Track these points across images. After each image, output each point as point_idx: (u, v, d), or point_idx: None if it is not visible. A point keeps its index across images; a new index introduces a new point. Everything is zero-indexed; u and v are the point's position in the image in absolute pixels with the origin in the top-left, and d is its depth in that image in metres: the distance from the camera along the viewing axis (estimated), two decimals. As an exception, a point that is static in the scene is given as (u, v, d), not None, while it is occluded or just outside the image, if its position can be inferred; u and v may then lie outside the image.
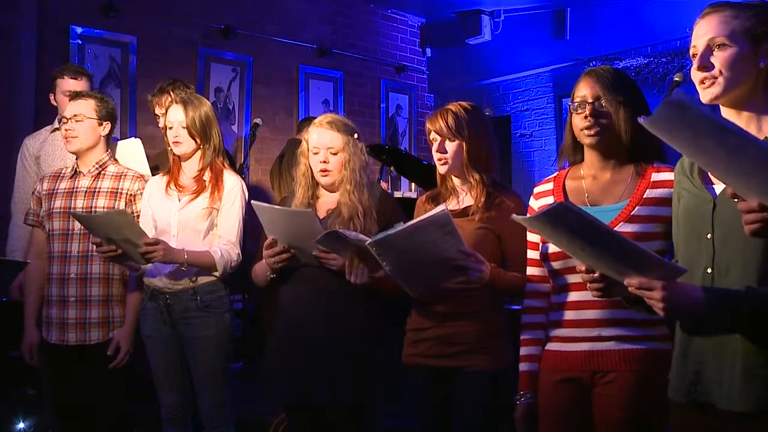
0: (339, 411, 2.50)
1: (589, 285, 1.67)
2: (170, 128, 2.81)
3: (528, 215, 1.84)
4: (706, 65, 1.60)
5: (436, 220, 2.03)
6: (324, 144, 2.55)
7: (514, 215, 1.68)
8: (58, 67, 3.71)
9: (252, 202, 2.56)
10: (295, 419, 2.64)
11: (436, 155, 2.39)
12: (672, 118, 1.33)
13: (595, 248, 1.55)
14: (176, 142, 2.80)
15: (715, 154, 1.36)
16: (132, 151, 3.38)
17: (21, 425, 3.50)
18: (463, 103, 2.42)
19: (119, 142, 3.50)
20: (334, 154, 2.55)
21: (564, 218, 1.52)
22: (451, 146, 2.37)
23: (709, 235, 1.59)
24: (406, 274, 2.19)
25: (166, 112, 2.87)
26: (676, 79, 2.77)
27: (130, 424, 2.97)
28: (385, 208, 2.58)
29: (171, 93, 3.49)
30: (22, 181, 3.53)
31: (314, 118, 2.77)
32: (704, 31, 1.62)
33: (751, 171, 1.33)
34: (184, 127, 2.78)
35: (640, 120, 1.38)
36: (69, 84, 3.48)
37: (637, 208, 1.91)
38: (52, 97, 3.57)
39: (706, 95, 1.61)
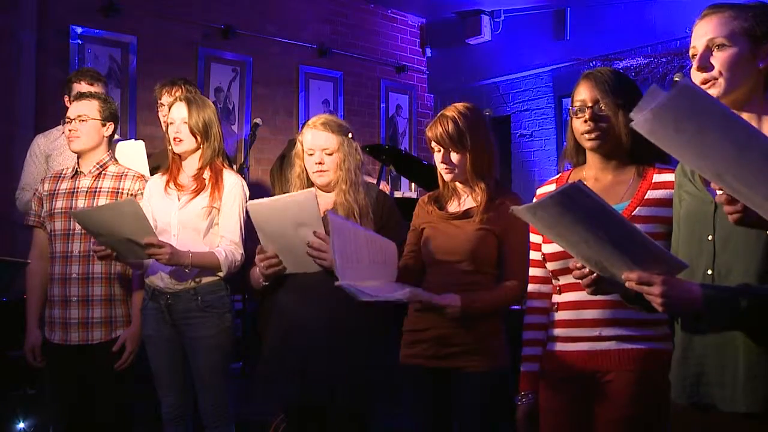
0: (338, 411, 2.50)
1: (582, 281, 1.66)
2: (172, 124, 2.81)
3: (532, 202, 1.79)
4: (705, 66, 1.61)
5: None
6: (319, 145, 2.54)
7: (513, 207, 1.63)
8: (76, 71, 3.74)
9: (247, 203, 2.54)
10: (294, 420, 2.64)
11: (440, 165, 2.38)
12: (678, 107, 1.28)
13: (598, 237, 1.53)
14: (177, 139, 2.79)
15: (718, 150, 1.32)
16: (134, 153, 3.39)
17: (21, 425, 3.50)
18: (461, 107, 2.39)
19: (120, 143, 3.51)
20: (330, 154, 2.54)
21: (574, 201, 1.49)
22: (455, 157, 2.35)
23: (710, 237, 1.59)
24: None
25: (170, 109, 2.87)
26: (676, 79, 2.78)
27: (130, 424, 2.97)
28: (382, 209, 2.58)
29: (182, 87, 3.50)
30: (29, 173, 3.57)
31: None
32: (704, 31, 1.63)
33: (755, 168, 1.31)
34: (185, 123, 2.78)
35: (636, 118, 1.32)
36: (83, 88, 3.48)
37: (638, 208, 1.91)
38: (66, 99, 3.59)
39: None
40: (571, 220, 1.54)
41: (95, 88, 3.49)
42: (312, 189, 2.40)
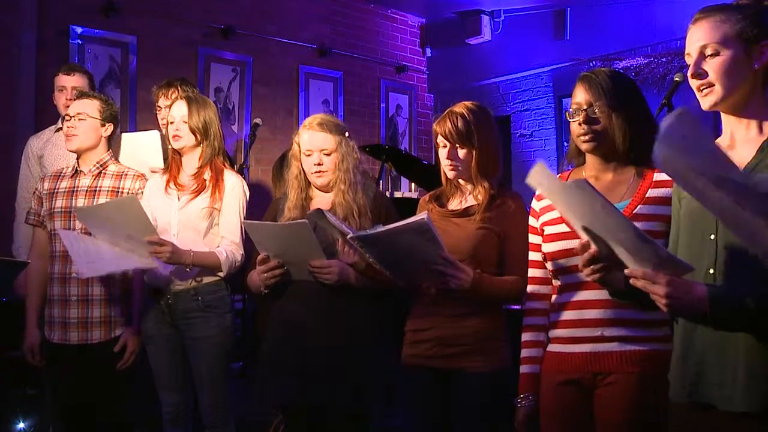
0: (337, 411, 2.50)
1: (589, 269, 1.65)
2: (171, 123, 2.81)
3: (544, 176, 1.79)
4: (700, 72, 1.61)
5: (414, 227, 2.07)
6: (316, 146, 2.54)
7: (530, 175, 1.61)
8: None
9: (244, 221, 2.57)
10: (294, 420, 2.64)
11: (445, 161, 2.37)
12: (681, 134, 1.29)
13: (605, 235, 1.53)
14: (176, 136, 2.80)
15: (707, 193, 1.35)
16: (148, 144, 3.38)
17: (21, 425, 3.50)
18: (470, 105, 2.40)
19: (131, 135, 3.51)
20: (328, 155, 2.55)
21: (587, 197, 1.49)
22: (461, 153, 2.35)
23: (712, 236, 1.59)
24: (390, 266, 2.24)
25: (170, 107, 2.87)
26: (676, 79, 2.77)
27: (130, 424, 2.97)
28: (379, 208, 2.58)
29: (179, 88, 3.51)
30: (26, 181, 3.56)
31: None
32: (696, 37, 1.62)
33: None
34: (185, 122, 2.78)
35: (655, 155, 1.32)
36: (62, 79, 3.53)
37: (639, 206, 1.91)
38: (53, 98, 3.61)
39: (705, 102, 1.62)
40: (578, 210, 1.54)
41: (72, 78, 3.50)
42: (305, 221, 2.40)
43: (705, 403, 1.59)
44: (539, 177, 1.62)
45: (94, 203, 2.87)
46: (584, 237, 1.64)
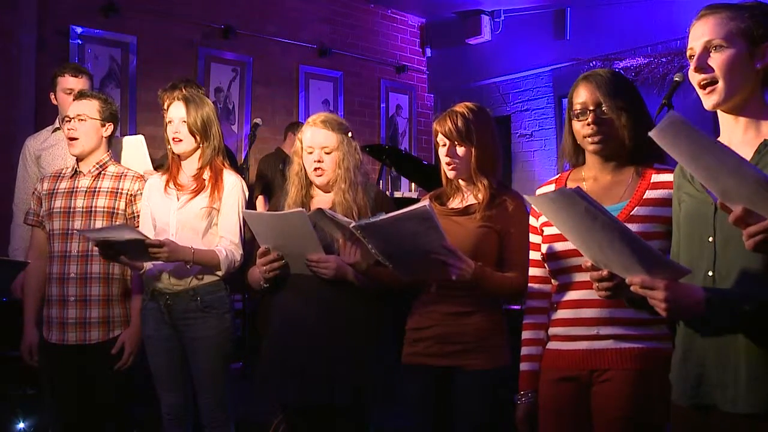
0: (338, 411, 2.50)
1: (597, 284, 1.65)
2: (170, 123, 2.82)
3: (535, 197, 1.81)
4: (703, 67, 1.60)
5: (416, 214, 2.08)
6: (318, 143, 2.55)
7: (525, 195, 1.69)
8: (58, 66, 3.73)
9: (243, 211, 2.57)
10: (294, 420, 2.64)
11: (445, 159, 2.39)
12: (673, 132, 1.36)
13: (600, 241, 1.54)
14: (176, 139, 2.79)
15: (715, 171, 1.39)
16: (135, 148, 3.39)
17: (21, 425, 3.50)
18: (470, 105, 2.42)
19: (124, 138, 3.50)
20: (329, 153, 2.55)
21: (573, 204, 1.49)
22: (460, 150, 2.37)
23: (710, 238, 1.59)
24: (392, 258, 2.24)
25: (168, 108, 2.87)
26: (676, 79, 2.76)
27: (130, 424, 2.97)
28: (380, 208, 2.58)
29: (183, 89, 3.50)
30: (23, 182, 3.55)
31: (301, 123, 2.76)
32: (701, 33, 1.62)
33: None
34: (184, 122, 2.78)
35: (650, 133, 1.39)
36: (70, 82, 3.50)
37: (636, 208, 1.91)
38: (52, 96, 3.58)
39: (708, 102, 1.61)
40: (570, 219, 1.54)
41: (81, 80, 3.49)
42: (302, 210, 2.40)
43: (707, 405, 1.58)
44: (535, 201, 1.73)
45: (93, 203, 2.87)
46: (586, 256, 1.65)
